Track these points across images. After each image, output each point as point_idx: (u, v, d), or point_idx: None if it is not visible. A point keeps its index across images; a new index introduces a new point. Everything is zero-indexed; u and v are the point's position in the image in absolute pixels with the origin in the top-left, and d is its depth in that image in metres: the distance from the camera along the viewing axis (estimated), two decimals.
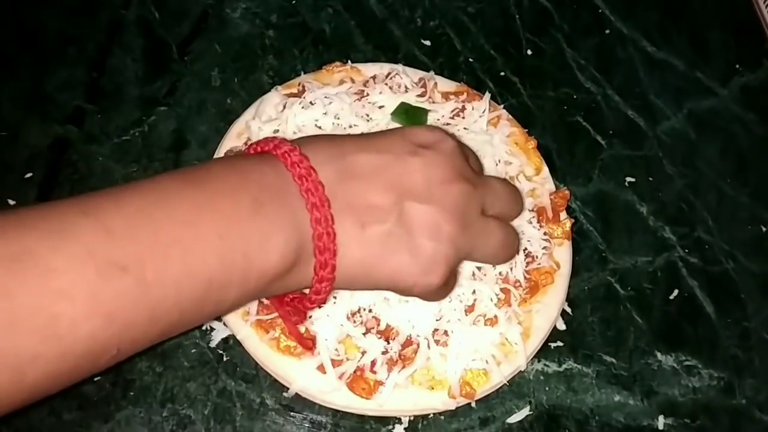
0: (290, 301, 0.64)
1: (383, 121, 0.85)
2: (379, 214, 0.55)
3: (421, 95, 0.89)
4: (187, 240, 0.48)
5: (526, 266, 0.80)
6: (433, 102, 0.90)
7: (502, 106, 0.94)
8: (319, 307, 0.65)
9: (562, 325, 0.83)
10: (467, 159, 0.64)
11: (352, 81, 0.92)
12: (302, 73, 0.96)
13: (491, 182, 0.68)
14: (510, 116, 0.93)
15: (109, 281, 0.44)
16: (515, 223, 0.80)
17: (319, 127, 0.84)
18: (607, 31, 1.09)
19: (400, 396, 0.74)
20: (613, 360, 0.83)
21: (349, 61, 0.94)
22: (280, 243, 0.53)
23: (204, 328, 0.79)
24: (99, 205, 0.47)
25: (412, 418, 0.76)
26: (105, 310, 0.43)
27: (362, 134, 0.68)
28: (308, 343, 0.71)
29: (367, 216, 0.56)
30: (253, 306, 0.75)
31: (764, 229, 0.94)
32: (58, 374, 0.44)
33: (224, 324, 0.78)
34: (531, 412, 0.78)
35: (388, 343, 0.73)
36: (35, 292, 0.41)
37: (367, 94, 0.88)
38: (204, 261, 0.49)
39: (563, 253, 0.84)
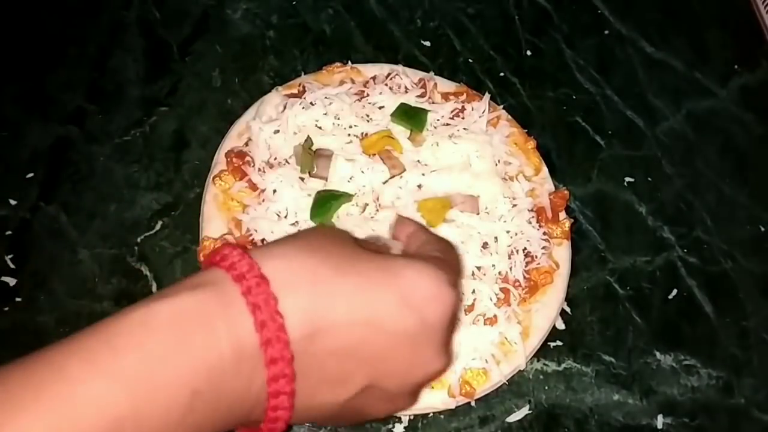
0: None
1: (383, 121, 0.86)
2: (342, 388, 0.48)
3: (421, 96, 0.89)
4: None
5: (525, 266, 0.80)
6: (433, 102, 0.90)
7: (501, 106, 0.95)
8: None
9: (561, 325, 0.83)
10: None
11: (353, 81, 0.92)
12: (302, 73, 0.97)
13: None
14: (509, 116, 0.93)
15: None
16: (515, 223, 0.81)
17: (320, 128, 0.85)
18: (606, 32, 1.09)
19: None
20: (612, 359, 0.83)
21: (350, 62, 0.95)
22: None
23: None
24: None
25: (412, 417, 0.77)
26: None
27: (345, 257, 0.49)
28: None
29: (328, 391, 0.48)
30: None
31: (763, 228, 0.94)
32: None
33: None
34: (530, 411, 0.79)
35: None
36: None
37: (367, 95, 0.88)
38: None
39: (562, 253, 0.85)
